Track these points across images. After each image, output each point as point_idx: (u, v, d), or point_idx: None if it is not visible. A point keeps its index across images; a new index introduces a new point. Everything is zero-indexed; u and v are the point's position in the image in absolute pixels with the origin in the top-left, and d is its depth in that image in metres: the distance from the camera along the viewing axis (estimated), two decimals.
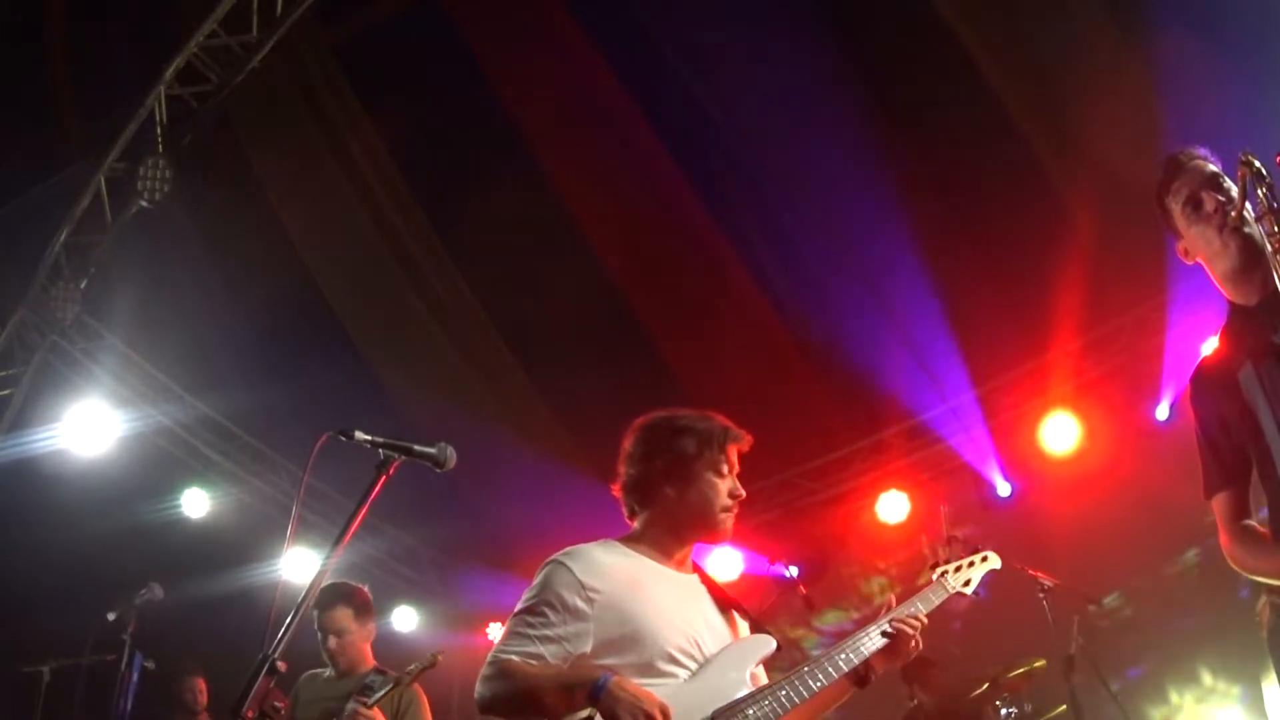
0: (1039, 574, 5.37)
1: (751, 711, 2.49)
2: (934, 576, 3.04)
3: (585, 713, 2.38)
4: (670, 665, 2.54)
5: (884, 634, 2.72)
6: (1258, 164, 2.33)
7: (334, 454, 2.51)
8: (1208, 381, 2.59)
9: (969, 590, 3.05)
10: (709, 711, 2.48)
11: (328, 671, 4.51)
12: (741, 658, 2.65)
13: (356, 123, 8.02)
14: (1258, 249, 2.43)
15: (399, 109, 7.83)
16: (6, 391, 7.09)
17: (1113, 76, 6.58)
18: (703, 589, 2.79)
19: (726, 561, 8.01)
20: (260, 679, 2.22)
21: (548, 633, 2.50)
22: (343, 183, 8.03)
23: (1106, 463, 7.26)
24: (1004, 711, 5.64)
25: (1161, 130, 5.65)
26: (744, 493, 2.78)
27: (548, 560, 2.65)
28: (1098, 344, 7.53)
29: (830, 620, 8.35)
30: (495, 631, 7.95)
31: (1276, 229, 2.35)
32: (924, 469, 8.29)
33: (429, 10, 7.47)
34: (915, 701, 6.28)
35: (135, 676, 5.19)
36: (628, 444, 2.84)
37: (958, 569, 3.07)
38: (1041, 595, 5.38)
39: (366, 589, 4.66)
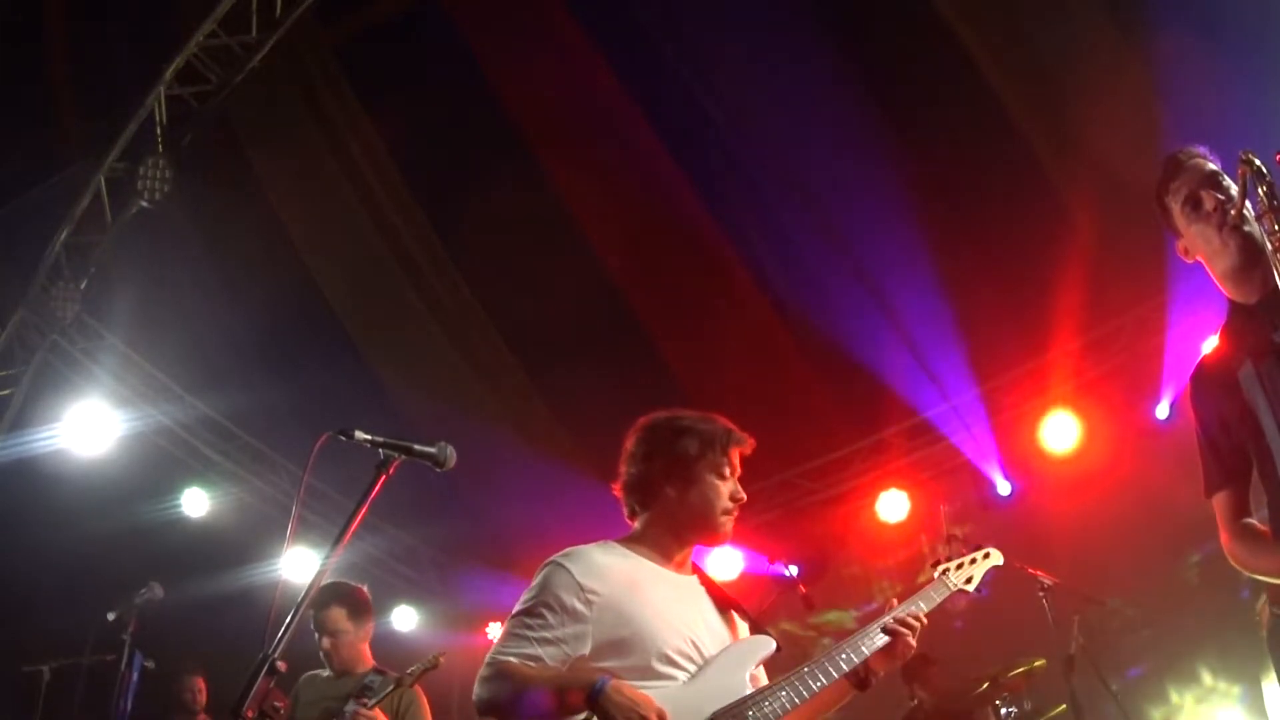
0: (1039, 573, 5.36)
1: (751, 713, 2.48)
2: (935, 574, 3.03)
3: (582, 716, 2.38)
4: (669, 667, 2.53)
5: (884, 631, 2.70)
6: (1258, 162, 2.33)
7: (334, 454, 2.51)
8: (1208, 380, 2.59)
9: (971, 587, 3.03)
10: (708, 713, 2.47)
11: (327, 671, 4.51)
12: (741, 659, 2.64)
13: (356, 123, 8.02)
14: (1257, 247, 2.43)
15: (399, 109, 7.83)
16: (6, 391, 7.09)
17: (1113, 76, 6.58)
18: (702, 590, 2.78)
19: (726, 561, 8.01)
20: (260, 679, 2.22)
21: (546, 635, 2.50)
22: (343, 183, 8.03)
23: (1106, 462, 7.26)
24: (1004, 711, 5.63)
25: (1161, 130, 5.65)
26: (745, 496, 2.77)
27: (546, 562, 2.64)
28: (1098, 344, 7.53)
29: (830, 620, 8.35)
30: (495, 631, 7.94)
31: (1276, 227, 2.35)
32: (924, 468, 8.29)
33: (429, 10, 7.47)
34: (915, 701, 6.28)
35: (135, 676, 5.18)
36: (629, 444, 2.83)
37: (959, 566, 3.06)
38: (1041, 595, 5.37)
39: (365, 589, 4.66)
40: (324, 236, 8.15)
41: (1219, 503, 2.59)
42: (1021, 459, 7.82)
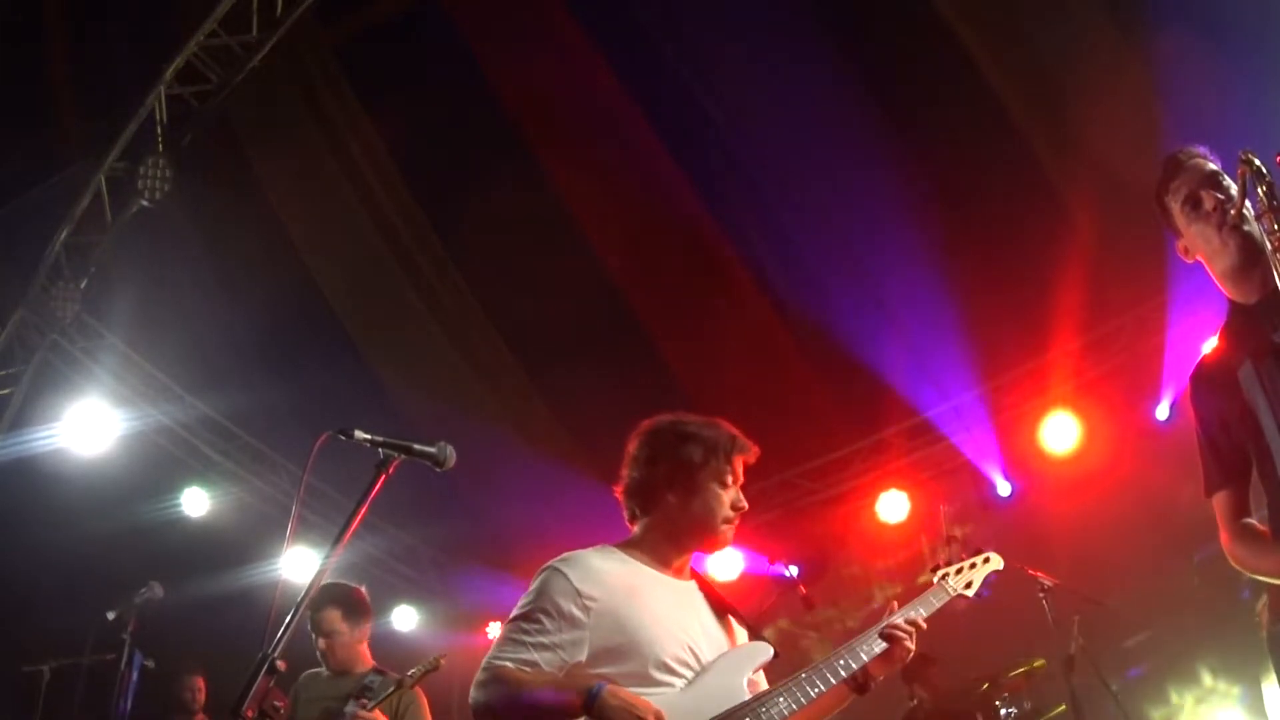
0: (1039, 574, 5.36)
1: (748, 719, 2.48)
2: (935, 579, 3.03)
3: None
4: (666, 674, 2.52)
5: (882, 637, 2.70)
6: (1257, 162, 2.33)
7: (334, 453, 2.51)
8: (1208, 380, 2.59)
9: (970, 592, 3.03)
10: (705, 719, 2.47)
11: (326, 671, 4.51)
12: (738, 665, 2.63)
13: (356, 123, 8.02)
14: (1257, 247, 2.43)
15: (399, 109, 7.83)
16: (6, 391, 7.09)
17: (1113, 76, 6.58)
18: (700, 596, 2.77)
19: (726, 561, 8.01)
20: (260, 678, 2.22)
21: (543, 640, 2.49)
22: (343, 183, 8.03)
23: (1106, 463, 7.26)
24: (1004, 711, 5.63)
25: (1161, 130, 5.65)
26: (746, 504, 2.75)
27: (544, 566, 2.63)
28: (1098, 344, 7.53)
29: (830, 620, 8.35)
30: (495, 631, 7.94)
31: (1276, 227, 2.35)
32: (924, 469, 8.29)
33: (429, 10, 7.47)
34: (915, 701, 6.28)
35: (135, 676, 5.19)
36: (632, 447, 2.82)
37: (959, 571, 3.05)
38: (1041, 595, 5.38)
39: (363, 589, 4.65)
40: (324, 236, 8.14)
41: (1219, 503, 2.59)
42: (1021, 459, 7.82)
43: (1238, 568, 2.55)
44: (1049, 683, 5.79)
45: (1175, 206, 2.58)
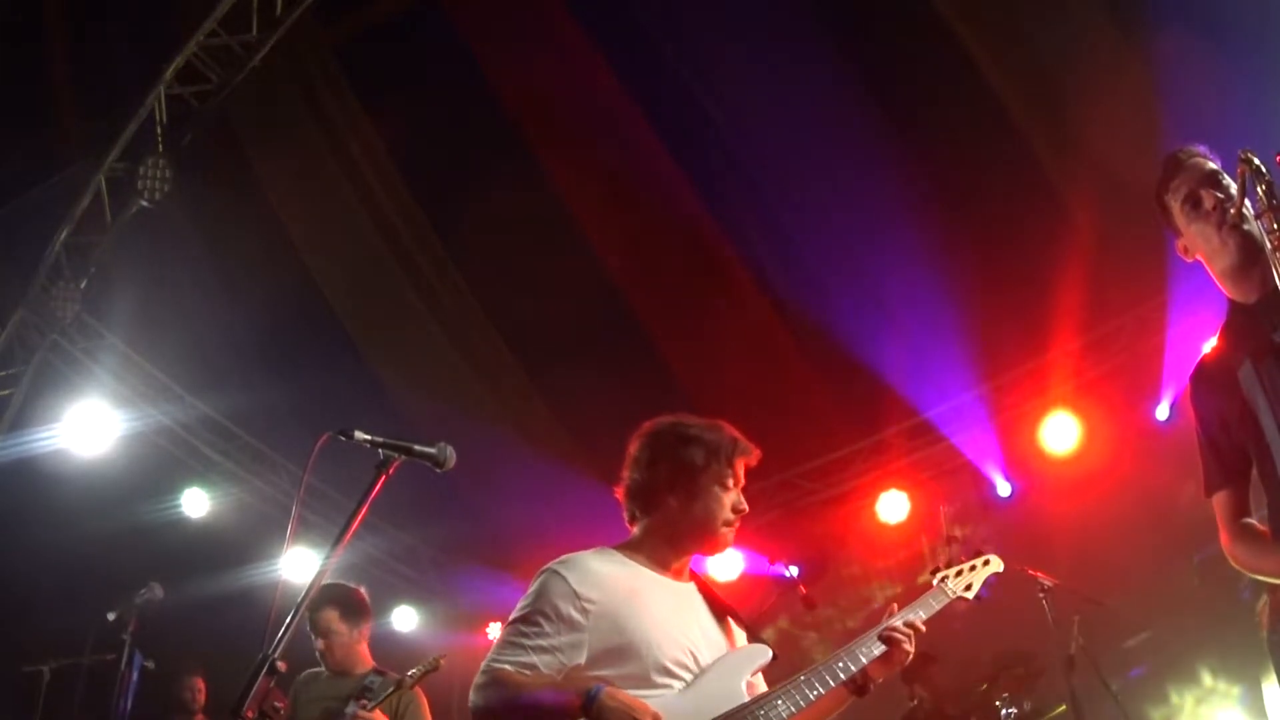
0: (1039, 574, 5.36)
1: None
2: (935, 581, 3.03)
3: None
4: (666, 677, 2.52)
5: (881, 640, 2.70)
6: (1257, 161, 2.33)
7: (334, 454, 2.51)
8: (1207, 380, 2.59)
9: (970, 595, 3.03)
10: None
11: (326, 671, 4.51)
12: (737, 667, 2.63)
13: (356, 123, 8.02)
14: (1257, 246, 2.43)
15: (399, 109, 7.83)
16: (6, 391, 7.09)
17: (1113, 76, 6.58)
18: (699, 598, 2.76)
19: (727, 562, 8.00)
20: (260, 679, 2.22)
21: (542, 643, 2.49)
22: (343, 183, 8.03)
23: (1106, 463, 7.26)
24: (1004, 711, 5.63)
25: (1161, 130, 5.65)
26: (747, 507, 2.75)
27: (543, 569, 2.63)
28: (1098, 344, 7.53)
29: (830, 620, 8.35)
30: (495, 632, 7.95)
31: (1276, 226, 2.35)
32: (924, 469, 8.29)
33: (429, 10, 7.47)
34: (915, 701, 6.28)
35: (135, 676, 5.19)
36: (633, 449, 2.81)
37: (959, 573, 3.05)
38: (1041, 595, 5.38)
39: (362, 590, 4.65)
40: (324, 236, 8.14)
41: (1219, 502, 2.58)
42: (1022, 459, 7.82)
43: (1238, 568, 2.55)
44: (1049, 683, 5.79)
45: (1175, 206, 2.58)
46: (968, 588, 3.02)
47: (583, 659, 2.49)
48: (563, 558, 2.64)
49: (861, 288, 7.35)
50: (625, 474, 2.81)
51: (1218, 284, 2.58)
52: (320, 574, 2.43)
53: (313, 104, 7.87)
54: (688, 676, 2.55)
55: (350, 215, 8.09)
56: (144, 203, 6.64)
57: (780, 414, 7.53)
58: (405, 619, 9.25)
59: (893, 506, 8.10)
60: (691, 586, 2.77)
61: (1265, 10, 5.82)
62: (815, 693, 2.57)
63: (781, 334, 8.07)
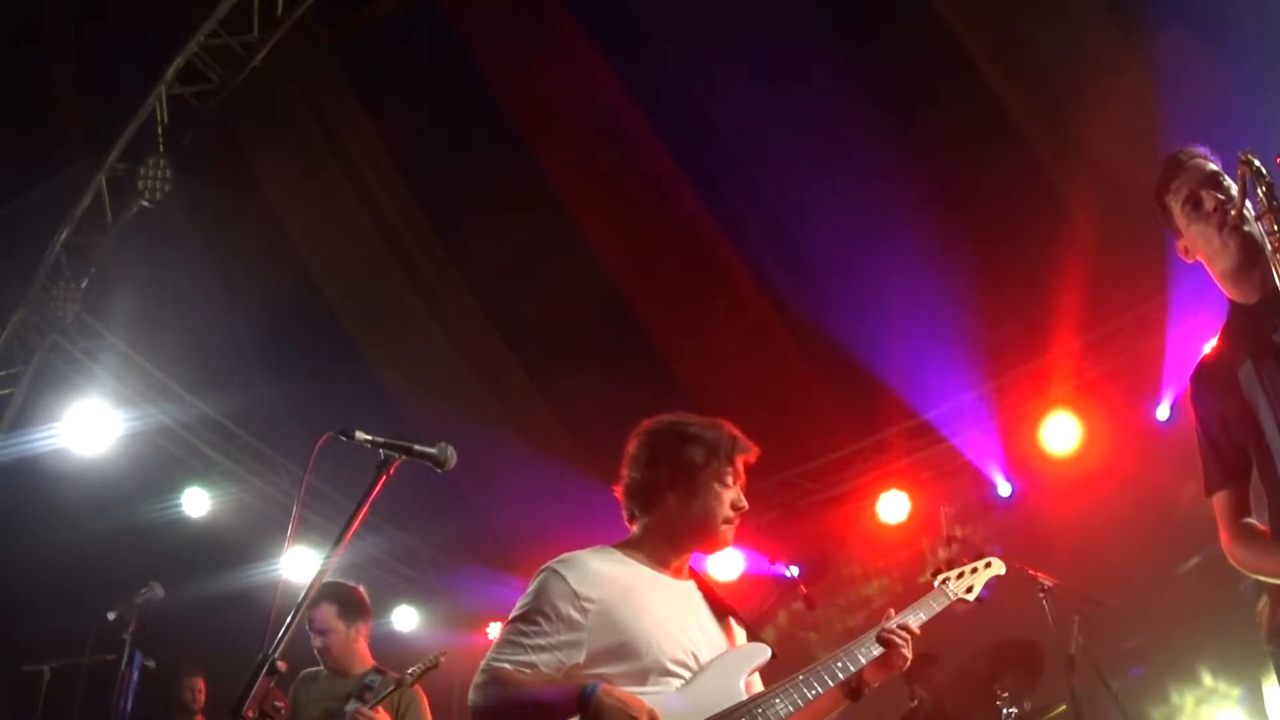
0: (1039, 574, 5.36)
1: None
2: (935, 583, 3.02)
3: None
4: (665, 675, 2.53)
5: (879, 641, 2.70)
6: (1257, 162, 2.33)
7: (334, 454, 2.51)
8: (1208, 380, 2.59)
9: (971, 597, 3.03)
10: None
11: (325, 670, 4.51)
12: (736, 666, 2.63)
13: (356, 123, 8.02)
14: (1257, 247, 2.43)
15: (399, 109, 7.82)
16: (6, 391, 7.09)
17: (1113, 76, 6.58)
18: (699, 596, 2.76)
19: (727, 562, 8.01)
20: (260, 678, 2.22)
21: (541, 642, 2.49)
22: (343, 183, 8.03)
23: (1107, 463, 7.25)
24: (1004, 711, 5.63)
25: (1161, 130, 5.65)
26: (746, 505, 2.75)
27: (542, 568, 2.63)
28: (1098, 344, 7.53)
29: (830, 620, 8.35)
30: (495, 631, 7.95)
31: (1276, 227, 2.35)
32: (924, 469, 8.29)
33: (429, 10, 7.47)
34: (915, 701, 6.28)
35: (135, 676, 5.19)
36: (632, 447, 2.81)
37: (960, 575, 3.05)
38: (1041, 595, 5.38)
39: (360, 588, 4.65)
40: (324, 236, 8.14)
41: (1219, 502, 2.59)
42: (1022, 459, 7.81)
43: (1238, 568, 2.56)
44: (1049, 683, 5.79)
45: (1176, 206, 2.58)
46: (969, 590, 3.02)
47: (582, 658, 2.49)
48: (562, 556, 2.64)
49: (862, 288, 7.34)
50: (624, 472, 2.81)
51: (1218, 285, 2.58)
52: (321, 573, 2.43)
53: (313, 104, 7.87)
54: (686, 675, 2.55)
55: (350, 215, 8.09)
56: (144, 203, 6.64)
57: (780, 414, 7.53)
58: (405, 619, 9.26)
59: (893, 506, 8.10)
60: (691, 585, 2.78)
61: (1265, 10, 5.82)
62: (814, 692, 2.58)
63: (781, 334, 8.06)
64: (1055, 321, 7.28)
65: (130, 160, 6.68)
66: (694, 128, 7.62)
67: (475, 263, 8.33)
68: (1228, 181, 2.53)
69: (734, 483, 2.75)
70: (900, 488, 8.13)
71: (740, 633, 2.80)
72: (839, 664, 2.64)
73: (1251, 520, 2.55)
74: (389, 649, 5.63)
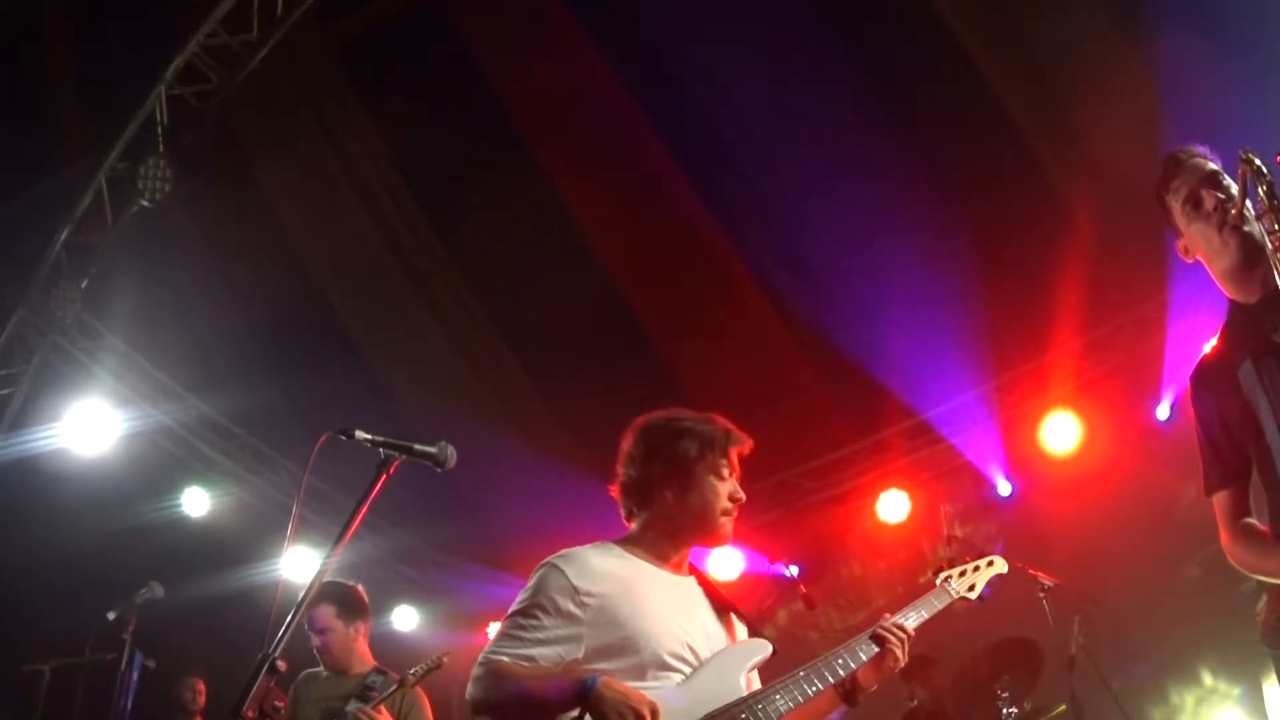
0: (1039, 574, 5.36)
1: (745, 716, 2.47)
2: (937, 581, 3.02)
3: (574, 713, 2.37)
4: (664, 670, 2.52)
5: (873, 638, 2.70)
6: (1258, 162, 2.33)
7: (334, 453, 2.51)
8: (1208, 379, 2.59)
9: (973, 595, 3.02)
10: (701, 715, 2.46)
11: (325, 670, 4.51)
12: (736, 662, 2.63)
13: (357, 123, 8.02)
14: (1258, 247, 2.43)
15: (399, 109, 7.83)
16: (6, 391, 7.09)
17: (1113, 76, 6.58)
18: (700, 592, 2.77)
19: (727, 561, 8.01)
20: (260, 678, 2.22)
21: (540, 636, 2.50)
22: (343, 183, 8.03)
23: (1107, 463, 7.25)
24: (1004, 711, 5.63)
25: (1161, 130, 5.65)
26: (744, 496, 2.76)
27: (542, 563, 2.63)
28: (1098, 344, 7.53)
29: (830, 620, 8.35)
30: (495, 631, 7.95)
31: (1276, 227, 2.35)
32: (924, 468, 8.29)
33: (429, 10, 7.47)
34: (915, 701, 6.28)
35: (135, 676, 5.19)
36: (626, 445, 2.81)
37: (962, 574, 3.05)
38: (1042, 595, 5.37)
39: (360, 587, 4.65)
40: (324, 237, 8.14)
41: (1219, 502, 2.59)
42: (1022, 459, 7.81)
43: (1238, 568, 2.56)
44: (1049, 683, 5.78)
45: (1176, 206, 2.58)
46: (971, 588, 3.02)
47: (581, 653, 2.49)
48: (562, 552, 2.65)
49: (862, 287, 7.34)
50: (620, 471, 2.81)
51: (1218, 284, 2.58)
52: (321, 573, 2.43)
53: (313, 104, 7.87)
54: (686, 670, 2.55)
55: (350, 215, 8.09)
56: (144, 203, 6.64)
57: (780, 414, 7.53)
58: (405, 619, 9.26)
59: (893, 506, 8.10)
60: (691, 581, 2.78)
61: (1265, 10, 5.82)
62: (814, 689, 2.57)
63: (781, 334, 8.06)
64: (1055, 321, 7.28)
65: (130, 160, 6.67)
66: (694, 127, 7.62)
67: (475, 263, 8.33)
68: (1228, 181, 2.53)
69: (729, 475, 2.75)
70: (900, 488, 8.13)
71: (741, 629, 2.80)
72: (839, 660, 2.64)
73: (1252, 520, 2.55)
74: (389, 649, 5.63)
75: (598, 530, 2.80)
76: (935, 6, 6.87)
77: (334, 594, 4.50)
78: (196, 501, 7.94)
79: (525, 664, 2.47)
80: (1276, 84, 5.63)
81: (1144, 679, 6.82)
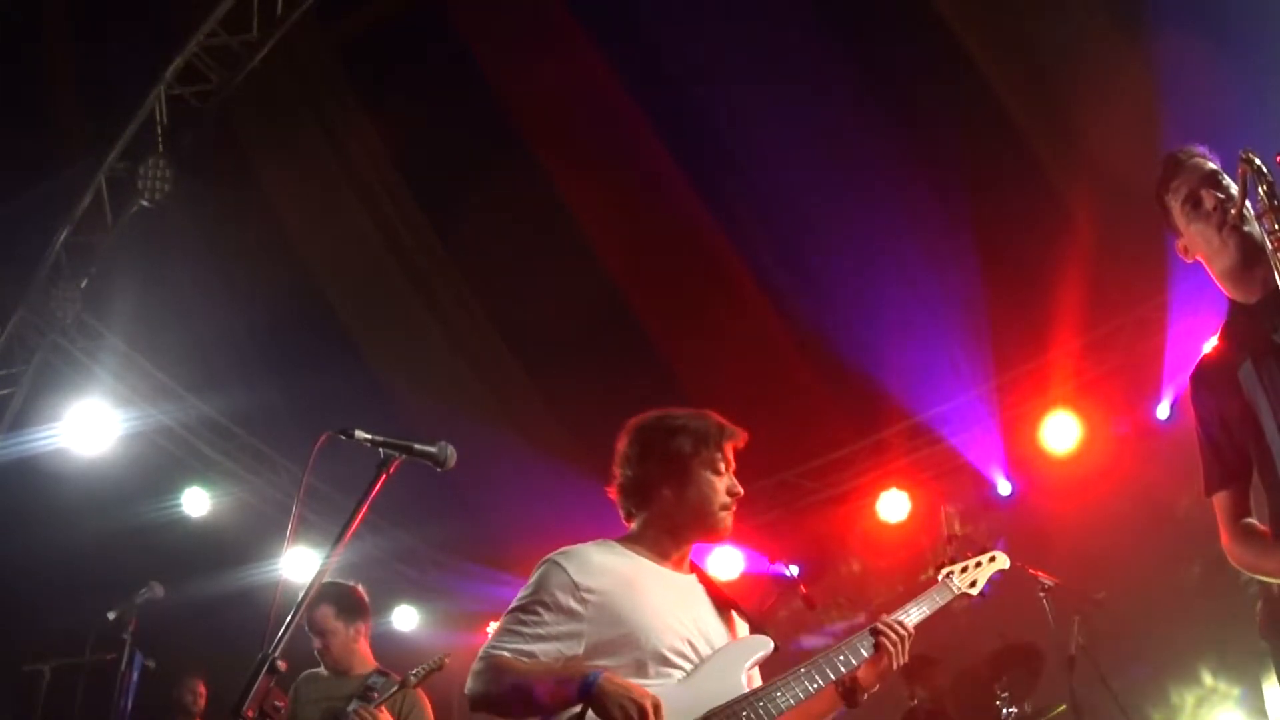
0: (1039, 573, 5.36)
1: (746, 713, 2.47)
2: (939, 577, 3.02)
3: (576, 709, 2.37)
4: (665, 667, 2.53)
5: (872, 633, 2.70)
6: (1258, 161, 2.33)
7: (334, 453, 2.51)
8: (1208, 379, 2.59)
9: (974, 591, 3.02)
10: (702, 712, 2.46)
11: (325, 671, 4.50)
12: (738, 658, 2.63)
13: (357, 123, 8.02)
14: (1257, 247, 2.43)
15: (399, 109, 7.83)
16: (6, 391, 7.09)
17: (1113, 76, 6.58)
18: (701, 589, 2.77)
19: (727, 561, 8.01)
20: (260, 678, 2.22)
21: (540, 631, 2.50)
22: (343, 183, 8.03)
23: (1107, 463, 7.26)
24: (1004, 711, 5.63)
25: (1161, 130, 5.65)
26: (742, 490, 2.76)
27: (543, 559, 2.64)
28: (1098, 344, 7.53)
29: (830, 620, 8.34)
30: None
31: (1276, 227, 2.35)
32: (925, 468, 8.29)
33: (429, 10, 7.47)
34: (915, 701, 6.28)
35: (135, 676, 5.19)
36: (622, 445, 2.82)
37: (964, 570, 3.05)
38: (1042, 595, 5.37)
39: (360, 588, 4.64)
40: (324, 236, 8.14)
41: (1219, 502, 2.59)
42: (1022, 459, 7.82)
43: (1238, 568, 2.56)
44: (1049, 683, 5.78)
45: (1175, 206, 2.58)
46: (972, 584, 3.02)
47: (581, 649, 2.50)
48: (563, 549, 2.65)
49: (862, 287, 7.35)
50: (617, 471, 2.82)
51: (1218, 284, 2.58)
52: (320, 573, 2.43)
53: (313, 104, 7.87)
54: (687, 667, 2.56)
55: (350, 215, 8.09)
56: (144, 203, 6.64)
57: (780, 414, 7.52)
58: (405, 619, 9.26)
59: (893, 506, 8.10)
60: (693, 578, 2.78)
61: (1265, 10, 5.82)
62: (815, 685, 2.58)
63: (781, 334, 8.06)
64: (1055, 321, 7.28)
65: (130, 160, 6.68)
66: (694, 127, 7.62)
67: (475, 263, 8.33)
68: (1227, 180, 2.52)
69: (726, 469, 2.76)
70: (900, 487, 8.13)
71: (743, 626, 2.80)
72: (840, 657, 2.64)
73: (1252, 520, 2.55)
74: (389, 649, 5.63)
75: (598, 530, 2.80)
76: (935, 6, 6.86)
77: (334, 595, 4.49)
78: (196, 501, 7.94)
79: (526, 659, 2.47)
80: (1276, 84, 5.63)
81: (1144, 679, 6.82)
